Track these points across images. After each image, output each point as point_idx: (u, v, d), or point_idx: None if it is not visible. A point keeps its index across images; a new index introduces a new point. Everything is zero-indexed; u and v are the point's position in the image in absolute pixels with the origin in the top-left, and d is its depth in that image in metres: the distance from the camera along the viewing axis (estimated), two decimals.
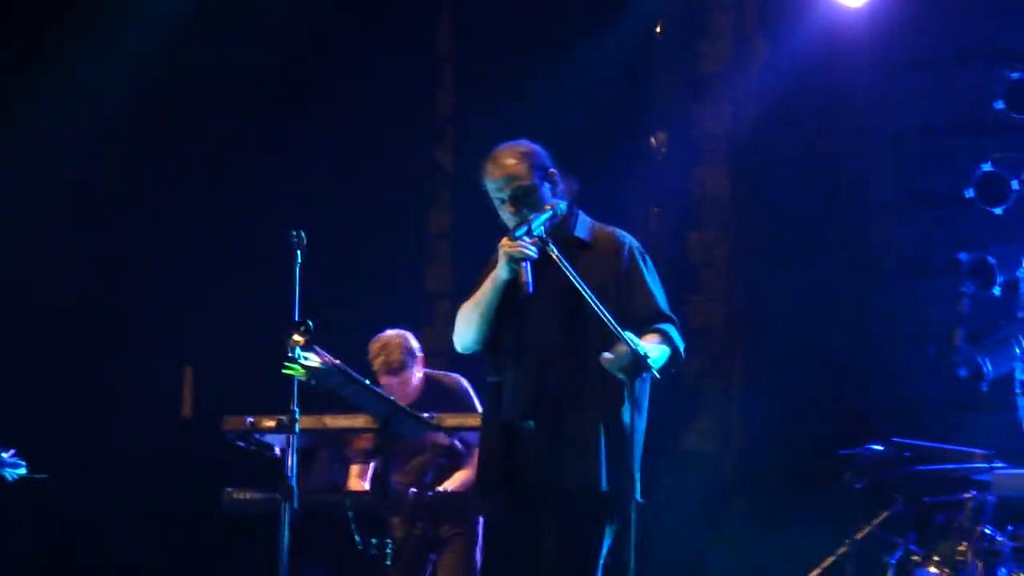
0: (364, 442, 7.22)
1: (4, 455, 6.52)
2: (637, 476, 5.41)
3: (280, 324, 6.01)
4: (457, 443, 7.18)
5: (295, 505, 5.99)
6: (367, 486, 7.47)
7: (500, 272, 5.56)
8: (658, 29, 9.53)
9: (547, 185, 5.73)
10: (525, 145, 5.78)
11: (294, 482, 6.00)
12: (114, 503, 9.21)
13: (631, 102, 9.54)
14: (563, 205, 5.67)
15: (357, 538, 6.13)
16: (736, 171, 9.38)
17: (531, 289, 5.46)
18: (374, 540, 6.04)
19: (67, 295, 9.46)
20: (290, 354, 5.96)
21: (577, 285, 5.34)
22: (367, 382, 6.57)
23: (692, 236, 9.51)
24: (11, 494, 6.85)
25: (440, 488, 7.41)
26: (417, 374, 7.75)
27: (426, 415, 6.79)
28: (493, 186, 5.71)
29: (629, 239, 5.77)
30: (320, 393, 6.40)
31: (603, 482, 5.46)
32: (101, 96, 9.39)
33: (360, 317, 8.41)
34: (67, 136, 9.36)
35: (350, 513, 6.24)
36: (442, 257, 10.00)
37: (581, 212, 5.80)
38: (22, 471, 6.69)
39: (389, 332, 7.81)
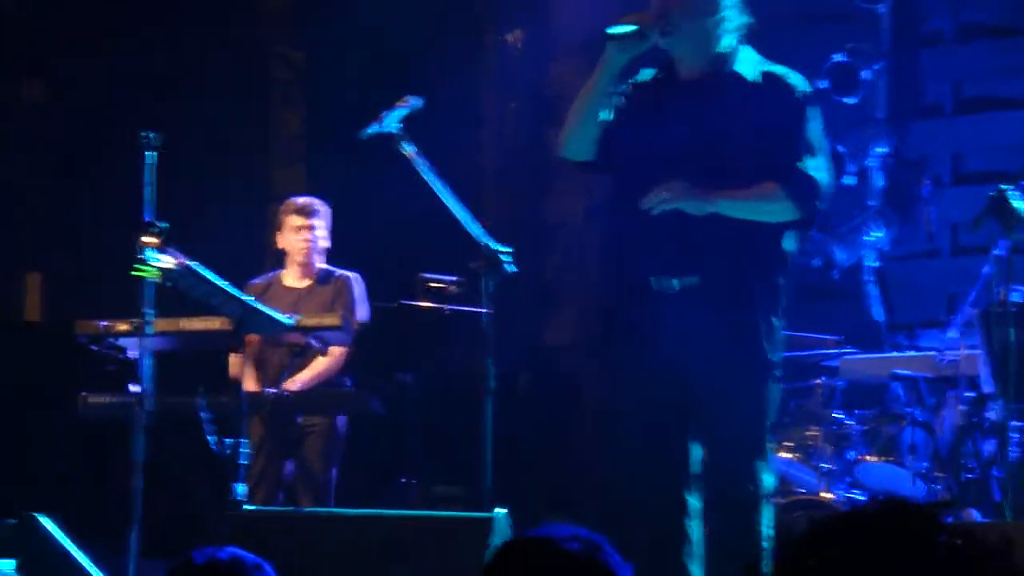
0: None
1: None
2: None
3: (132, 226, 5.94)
4: (313, 342, 7.16)
5: (150, 408, 5.95)
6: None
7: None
8: None
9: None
10: None
11: (148, 385, 5.96)
12: None
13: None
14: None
15: (211, 439, 6.12)
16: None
17: None
18: (228, 441, 6.02)
19: None
20: (141, 255, 5.90)
21: None
22: (222, 283, 6.48)
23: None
24: None
25: (294, 382, 7.44)
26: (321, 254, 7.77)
27: (284, 315, 6.69)
28: None
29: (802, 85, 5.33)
30: (179, 296, 6.33)
31: None
32: None
33: (212, 221, 8.34)
34: None
35: (203, 415, 6.21)
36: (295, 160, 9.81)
37: (750, 48, 5.34)
38: None
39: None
